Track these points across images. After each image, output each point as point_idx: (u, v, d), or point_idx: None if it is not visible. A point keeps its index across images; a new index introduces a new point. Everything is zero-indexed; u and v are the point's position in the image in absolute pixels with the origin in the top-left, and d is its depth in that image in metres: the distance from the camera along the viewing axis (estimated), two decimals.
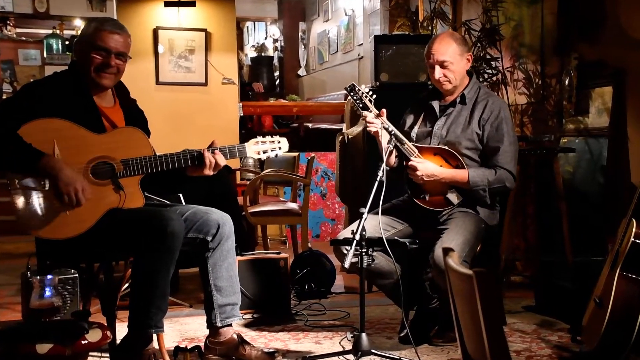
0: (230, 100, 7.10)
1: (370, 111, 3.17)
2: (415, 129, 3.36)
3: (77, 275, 3.19)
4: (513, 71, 4.85)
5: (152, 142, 2.85)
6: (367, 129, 3.17)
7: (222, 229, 2.93)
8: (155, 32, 6.80)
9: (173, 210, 2.83)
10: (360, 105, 3.18)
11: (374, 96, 3.19)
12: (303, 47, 11.30)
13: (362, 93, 3.18)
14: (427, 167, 3.16)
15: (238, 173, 6.66)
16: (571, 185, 4.22)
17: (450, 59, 3.23)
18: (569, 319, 3.48)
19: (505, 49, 4.86)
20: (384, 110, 3.18)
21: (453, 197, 3.20)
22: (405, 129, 3.39)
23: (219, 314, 2.98)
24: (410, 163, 3.16)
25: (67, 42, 9.90)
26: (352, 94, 3.20)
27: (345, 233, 3.11)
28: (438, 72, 3.24)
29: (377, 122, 3.12)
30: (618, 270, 2.75)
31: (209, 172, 2.82)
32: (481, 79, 4.60)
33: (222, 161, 2.83)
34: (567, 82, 4.22)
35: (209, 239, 2.93)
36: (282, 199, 6.12)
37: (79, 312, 2.71)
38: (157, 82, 6.83)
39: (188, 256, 2.94)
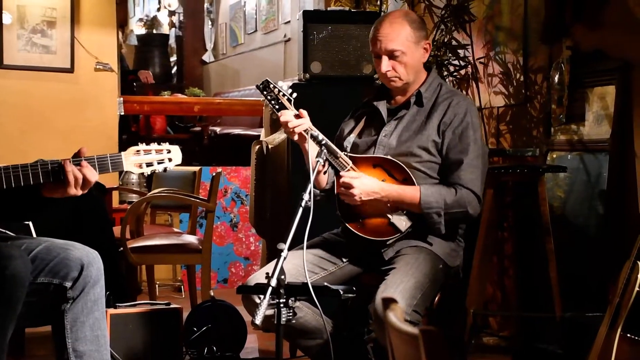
0: (106, 93, 7.05)
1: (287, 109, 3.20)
2: (352, 136, 3.39)
3: None
4: (487, 63, 4.94)
5: None
6: (287, 132, 3.19)
7: (87, 270, 2.89)
8: None
9: (16, 246, 2.78)
10: (277, 107, 3.22)
11: (294, 95, 3.23)
12: (210, 23, 11.28)
13: (279, 91, 3.23)
14: (365, 182, 3.18)
15: (116, 194, 6.59)
16: (561, 216, 4.30)
17: (403, 47, 3.27)
18: None
19: (477, 33, 4.95)
20: (303, 111, 3.21)
21: (400, 222, 3.23)
22: (341, 138, 3.42)
23: None
24: (342, 179, 3.18)
25: None
26: (265, 92, 3.24)
27: (258, 277, 3.10)
28: (385, 65, 3.29)
29: (299, 123, 3.15)
30: (619, 330, 2.80)
31: (74, 191, 2.79)
32: (445, 73, 4.68)
33: (93, 176, 2.80)
34: (556, 78, 4.31)
35: (68, 284, 2.88)
36: (176, 229, 6.07)
37: None
38: (1, 66, 6.71)
39: (37, 309, 2.89)
